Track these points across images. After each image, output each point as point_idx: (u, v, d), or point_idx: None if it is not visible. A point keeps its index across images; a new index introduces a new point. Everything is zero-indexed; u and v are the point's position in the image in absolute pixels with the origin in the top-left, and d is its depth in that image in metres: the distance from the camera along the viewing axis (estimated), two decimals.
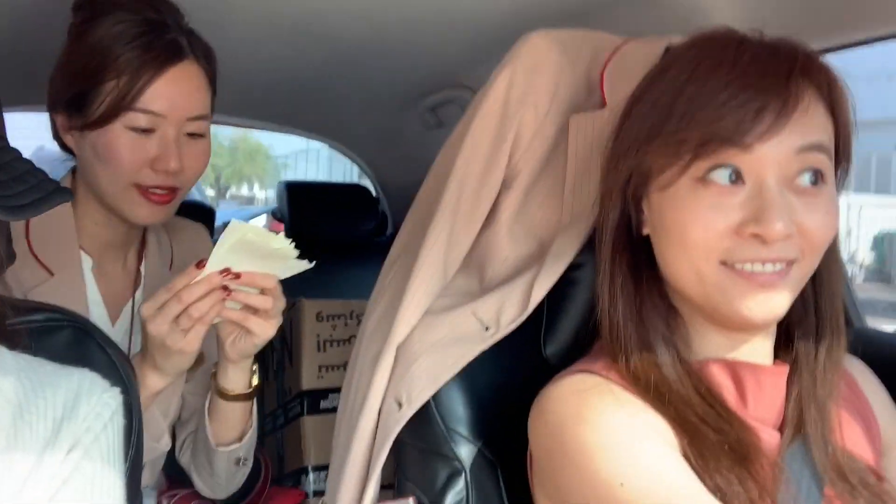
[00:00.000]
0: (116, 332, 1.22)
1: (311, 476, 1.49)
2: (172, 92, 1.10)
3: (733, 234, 0.72)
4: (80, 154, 1.15)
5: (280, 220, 2.31)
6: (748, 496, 0.70)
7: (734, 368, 0.79)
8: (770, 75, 0.72)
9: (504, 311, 0.88)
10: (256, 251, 0.97)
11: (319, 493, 1.53)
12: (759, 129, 0.70)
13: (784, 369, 0.81)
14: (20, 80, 1.40)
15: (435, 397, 0.87)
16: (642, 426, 0.73)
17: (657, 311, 0.80)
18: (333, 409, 1.60)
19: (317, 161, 22.44)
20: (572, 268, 0.91)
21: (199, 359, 1.27)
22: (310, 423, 1.56)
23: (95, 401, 0.75)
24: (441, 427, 0.87)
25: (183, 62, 1.11)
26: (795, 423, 0.78)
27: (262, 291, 1.01)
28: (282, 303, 1.05)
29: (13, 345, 0.76)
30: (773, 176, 0.72)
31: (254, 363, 1.14)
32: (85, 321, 0.89)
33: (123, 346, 1.19)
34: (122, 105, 1.07)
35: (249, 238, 0.95)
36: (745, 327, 0.77)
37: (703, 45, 0.77)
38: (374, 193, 2.36)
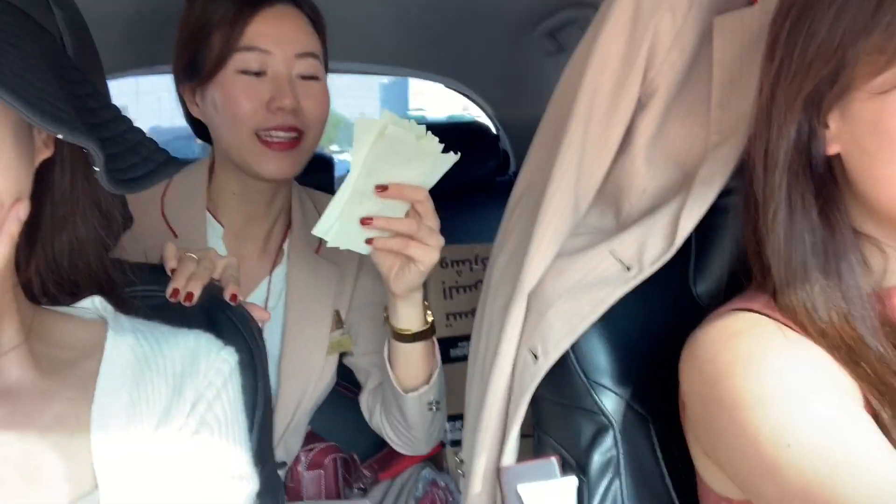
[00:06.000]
0: None
1: (447, 426, 1.46)
2: (273, 28, 1.11)
3: None
4: (207, 118, 1.18)
5: None
6: None
7: None
8: None
9: (647, 248, 0.77)
10: (400, 150, 0.90)
11: (456, 443, 1.50)
12: None
13: None
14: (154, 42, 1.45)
15: (573, 347, 0.79)
16: (815, 372, 0.62)
17: (844, 242, 0.67)
18: (464, 357, 1.56)
19: None
20: (723, 194, 0.79)
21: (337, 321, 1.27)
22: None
23: (214, 357, 0.77)
24: (582, 379, 0.79)
25: (281, 4, 1.13)
26: None
27: (413, 207, 0.97)
28: (434, 221, 1.00)
29: (128, 310, 0.78)
30: None
31: (424, 297, 1.11)
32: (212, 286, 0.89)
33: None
34: (227, 49, 1.10)
35: (391, 133, 0.88)
36: None
37: None
38: (493, 131, 2.27)
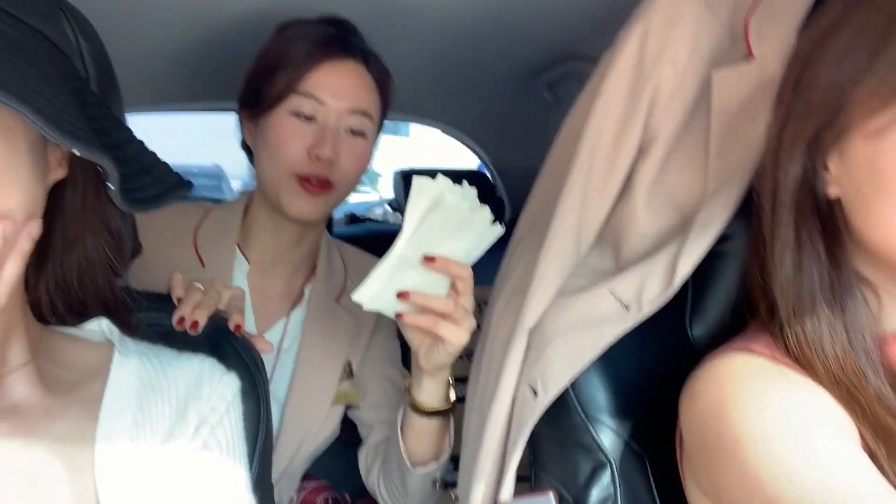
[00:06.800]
0: None
1: None
2: (335, 81, 1.14)
3: None
4: (255, 149, 1.20)
5: (397, 209, 2.28)
6: None
7: None
8: None
9: (645, 289, 0.80)
10: (452, 220, 0.87)
11: (447, 485, 1.49)
12: None
13: None
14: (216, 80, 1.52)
15: (573, 384, 0.80)
16: (817, 410, 0.64)
17: (850, 280, 0.69)
18: (457, 399, 1.57)
19: None
20: (721, 239, 0.82)
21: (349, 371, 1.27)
22: None
23: (217, 382, 0.77)
24: (581, 416, 0.80)
25: (350, 59, 1.16)
26: None
27: (454, 283, 0.94)
28: (471, 301, 0.96)
29: (134, 334, 0.79)
30: None
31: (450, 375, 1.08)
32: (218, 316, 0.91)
33: (270, 360, 1.21)
34: (287, 89, 1.12)
35: (448, 203, 0.85)
36: None
37: None
38: (490, 178, 2.31)
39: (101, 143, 0.60)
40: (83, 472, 0.67)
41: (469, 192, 0.87)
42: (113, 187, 0.58)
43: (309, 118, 1.13)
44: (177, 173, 0.68)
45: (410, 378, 1.09)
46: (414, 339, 1.01)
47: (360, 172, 1.19)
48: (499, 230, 0.91)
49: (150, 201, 0.63)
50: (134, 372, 0.74)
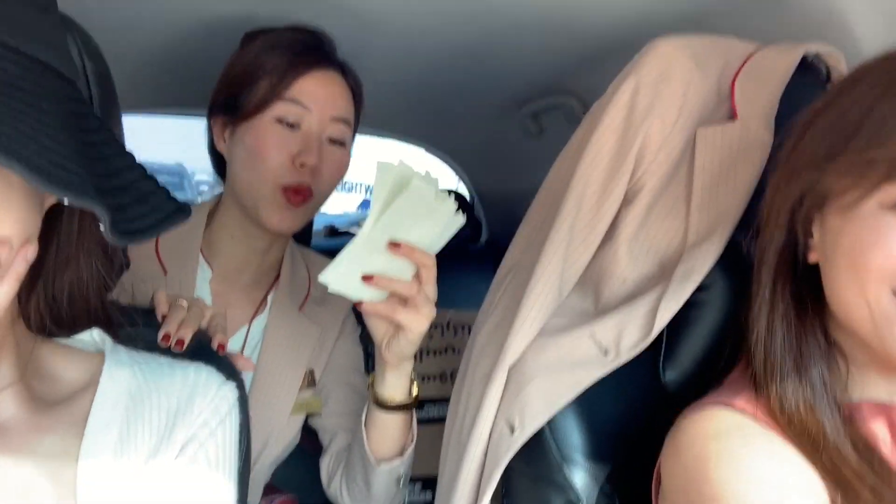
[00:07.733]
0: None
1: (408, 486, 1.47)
2: (318, 89, 1.16)
3: None
4: (231, 156, 1.20)
5: None
6: None
7: (889, 413, 0.73)
8: None
9: (625, 335, 0.83)
10: (419, 207, 0.89)
11: None
12: None
13: None
14: (184, 86, 1.51)
15: (549, 423, 0.83)
16: (792, 477, 0.67)
17: (818, 345, 0.74)
18: (430, 420, 1.59)
19: None
20: (698, 289, 0.85)
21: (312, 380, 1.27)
22: None
23: (213, 395, 0.76)
24: (556, 455, 0.82)
25: (331, 70, 1.18)
26: None
27: (418, 271, 0.95)
28: (433, 290, 0.98)
29: (126, 343, 0.78)
30: None
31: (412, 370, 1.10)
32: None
33: None
34: (272, 95, 1.14)
35: (415, 188, 0.86)
36: None
37: None
38: (468, 199, 2.33)
39: (99, 171, 0.59)
40: (66, 488, 0.67)
41: (433, 179, 0.89)
42: (103, 227, 0.57)
43: (292, 125, 1.14)
44: (175, 199, 0.67)
45: (374, 374, 1.10)
46: (377, 331, 1.03)
47: (337, 182, 1.21)
48: (461, 220, 0.93)
49: (143, 232, 0.62)
50: (124, 384, 0.74)
